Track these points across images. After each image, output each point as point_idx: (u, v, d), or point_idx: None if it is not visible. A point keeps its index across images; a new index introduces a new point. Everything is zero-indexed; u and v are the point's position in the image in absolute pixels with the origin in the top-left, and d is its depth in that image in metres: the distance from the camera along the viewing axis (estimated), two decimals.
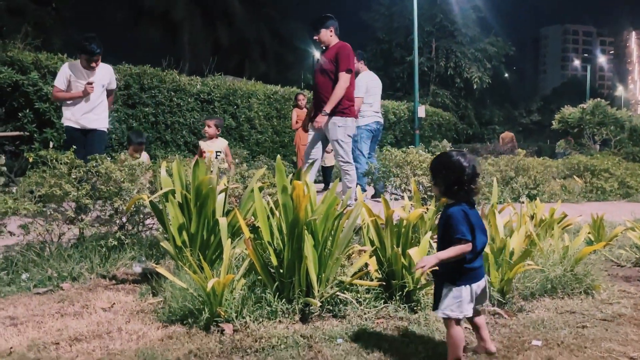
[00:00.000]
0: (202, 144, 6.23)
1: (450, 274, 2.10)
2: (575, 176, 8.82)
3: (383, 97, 9.27)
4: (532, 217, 3.99)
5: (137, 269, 3.57)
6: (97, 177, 3.61)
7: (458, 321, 2.09)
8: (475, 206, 2.20)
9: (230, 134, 11.08)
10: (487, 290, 2.20)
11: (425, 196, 4.41)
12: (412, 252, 2.80)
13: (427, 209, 3.77)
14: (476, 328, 2.24)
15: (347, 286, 2.78)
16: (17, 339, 2.40)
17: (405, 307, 2.79)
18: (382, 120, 7.47)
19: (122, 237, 3.67)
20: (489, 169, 5.02)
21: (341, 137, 5.30)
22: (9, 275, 3.28)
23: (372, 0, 28.22)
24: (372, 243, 3.03)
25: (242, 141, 11.29)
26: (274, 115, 12.21)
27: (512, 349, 2.29)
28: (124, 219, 3.80)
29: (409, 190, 4.38)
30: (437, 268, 2.11)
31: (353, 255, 3.09)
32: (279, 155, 2.93)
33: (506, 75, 38.73)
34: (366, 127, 7.08)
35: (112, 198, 3.62)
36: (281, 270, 2.72)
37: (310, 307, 2.69)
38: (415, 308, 2.80)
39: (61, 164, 3.55)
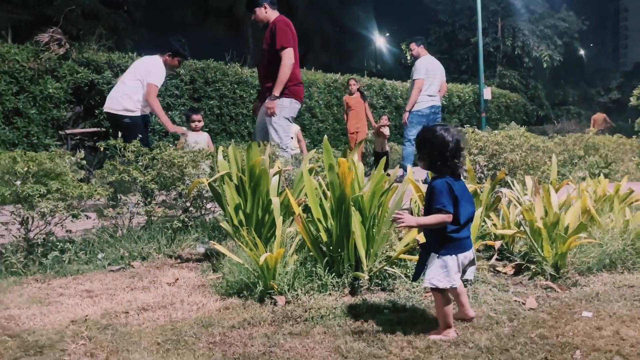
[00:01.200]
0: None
1: (436, 244, 2.15)
2: None
3: (448, 81, 9.05)
4: (593, 193, 3.86)
5: (200, 249, 3.79)
6: (162, 163, 3.85)
7: (444, 290, 2.12)
8: (463, 178, 2.23)
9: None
10: (475, 260, 2.24)
11: (482, 175, 4.36)
12: None
13: (483, 186, 3.75)
14: (455, 294, 2.25)
15: (396, 261, 2.84)
16: (92, 309, 2.65)
17: None
18: (438, 104, 7.37)
19: (186, 219, 3.91)
20: (550, 147, 4.87)
21: (275, 118, 4.93)
22: (86, 255, 3.58)
23: None
24: None
25: (303, 130, 11.45)
26: (334, 103, 12.31)
27: (560, 319, 2.27)
28: (187, 203, 4.03)
29: (464, 170, 4.34)
30: (423, 240, 2.16)
31: (403, 231, 3.14)
32: (325, 136, 3.02)
33: (581, 52, 36.63)
34: (417, 112, 7.04)
35: (175, 183, 3.86)
36: (331, 246, 2.82)
37: (359, 281, 2.77)
38: (465, 282, 2.81)
39: (128, 152, 3.81)
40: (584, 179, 4.32)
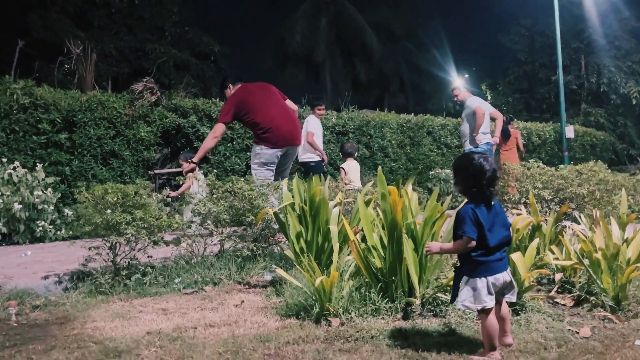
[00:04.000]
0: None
1: (465, 267, 2.25)
2: None
3: (528, 119, 9.68)
4: None
5: (268, 277, 4.02)
6: (234, 196, 4.17)
7: (488, 312, 2.17)
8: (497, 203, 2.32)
9: (365, 162, 11.51)
10: (513, 282, 2.28)
11: (548, 209, 4.32)
12: (514, 256, 2.86)
13: (546, 220, 3.74)
14: (500, 320, 2.27)
15: (447, 287, 2.91)
16: (166, 324, 2.93)
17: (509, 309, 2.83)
18: (491, 141, 7.77)
19: (255, 249, 4.17)
20: (620, 181, 4.71)
21: (252, 164, 5.56)
22: (165, 279, 3.92)
23: (511, 22, 27.35)
24: None
25: (375, 170, 11.64)
26: (407, 142, 12.42)
27: (610, 347, 2.25)
28: (256, 234, 4.31)
29: (527, 204, 4.32)
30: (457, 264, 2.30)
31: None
32: (380, 167, 3.19)
33: None
34: (476, 148, 7.47)
35: (245, 214, 4.15)
36: (384, 272, 2.95)
37: (412, 307, 2.87)
38: (519, 311, 2.82)
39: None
40: None
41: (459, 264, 2.33)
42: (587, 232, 3.67)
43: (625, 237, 3.19)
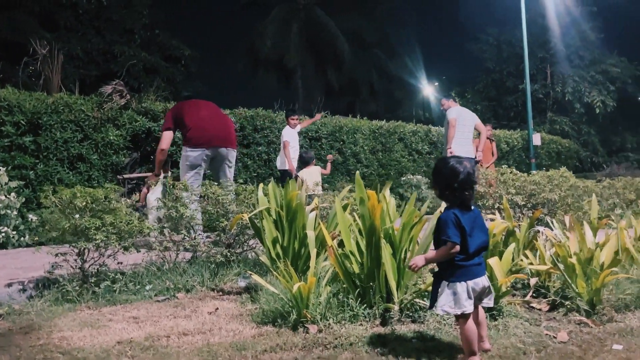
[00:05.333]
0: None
1: (445, 272, 2.23)
2: None
3: (496, 127, 9.82)
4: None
5: (242, 283, 3.94)
6: (207, 200, 4.09)
7: (467, 317, 2.16)
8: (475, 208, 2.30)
9: (337, 168, 11.50)
10: (490, 287, 2.27)
11: (521, 214, 4.37)
12: (491, 261, 2.86)
13: (519, 225, 3.77)
14: (477, 325, 2.27)
15: (425, 293, 2.89)
16: (137, 333, 2.83)
17: (486, 314, 2.83)
18: (472, 156, 7.78)
19: (229, 254, 4.09)
20: (590, 187, 4.83)
21: (180, 168, 5.77)
22: (135, 286, 3.80)
23: (479, 31, 27.93)
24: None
25: (348, 175, 11.65)
26: (379, 148, 12.48)
27: (588, 351, 2.27)
28: (230, 239, 4.23)
29: (501, 210, 4.36)
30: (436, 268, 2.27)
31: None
32: (357, 172, 3.17)
33: (639, 98, 35.55)
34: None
35: (219, 219, 4.07)
36: (362, 278, 2.92)
37: (390, 312, 2.84)
38: (496, 316, 2.83)
39: (177, 190, 4.08)
40: (622, 216, 4.25)
41: (437, 268, 2.31)
42: (559, 237, 3.72)
43: (596, 242, 3.24)
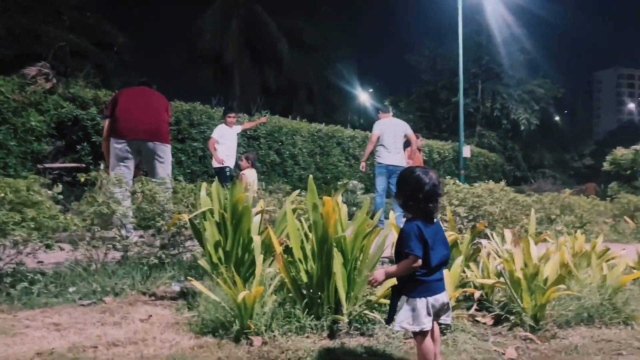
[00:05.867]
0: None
1: (405, 287, 2.12)
2: (625, 217, 8.50)
3: (428, 137, 10.10)
4: (571, 249, 3.91)
5: (176, 287, 3.70)
6: (143, 197, 3.81)
7: (425, 335, 2.08)
8: (437, 221, 2.21)
9: (275, 169, 11.34)
10: (449, 304, 2.18)
11: (462, 225, 4.39)
12: None
13: (463, 236, 3.78)
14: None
15: (376, 305, 2.80)
16: (59, 342, 2.54)
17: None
18: (395, 164, 7.90)
19: (163, 256, 3.83)
20: (528, 202, 4.97)
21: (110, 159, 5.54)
22: (57, 288, 3.46)
23: (417, 42, 28.72)
24: (393, 264, 3.05)
25: (285, 176, 11.52)
26: (317, 152, 12.45)
27: None
28: (166, 240, 3.96)
29: (445, 220, 4.38)
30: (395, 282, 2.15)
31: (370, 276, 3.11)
32: (310, 175, 3.04)
33: (557, 118, 37.91)
34: (379, 165, 7.81)
35: (155, 218, 3.80)
36: (310, 288, 2.78)
37: (339, 324, 2.72)
38: (444, 330, 2.78)
39: (110, 184, 3.77)
40: (561, 233, 4.39)
41: (396, 282, 2.21)
42: (500, 250, 3.76)
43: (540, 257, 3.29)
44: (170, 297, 3.54)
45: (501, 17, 24.66)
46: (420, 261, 2.07)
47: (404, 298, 2.12)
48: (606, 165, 15.53)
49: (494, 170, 20.39)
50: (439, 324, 2.25)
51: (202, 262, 3.34)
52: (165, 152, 5.58)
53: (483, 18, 24.70)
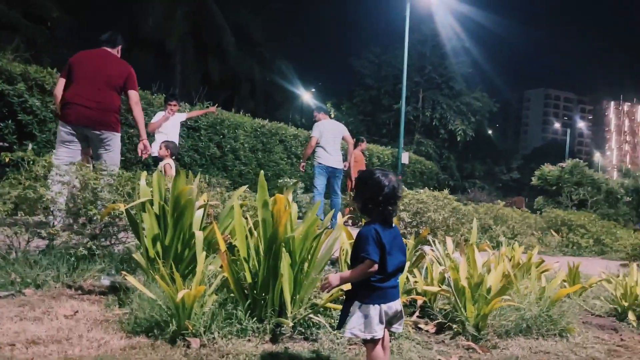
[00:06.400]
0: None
1: (359, 292, 2.05)
2: (552, 230, 8.91)
3: (370, 141, 10.34)
4: (510, 259, 3.99)
5: (105, 281, 3.45)
6: (75, 184, 3.53)
7: (376, 343, 2.02)
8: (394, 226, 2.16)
9: (214, 163, 11.04)
10: (402, 312, 2.13)
11: (405, 231, 4.39)
12: None
13: (407, 242, 3.76)
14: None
15: (321, 309, 2.71)
16: None
17: None
18: (335, 166, 7.93)
19: (93, 247, 3.56)
20: (470, 211, 5.07)
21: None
22: None
23: (363, 47, 29.08)
24: (349, 267, 2.97)
25: (225, 171, 11.24)
26: (259, 148, 12.25)
27: None
28: (97, 230, 3.69)
29: None
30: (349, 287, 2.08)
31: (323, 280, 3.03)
32: (262, 171, 2.90)
33: (489, 131, 39.58)
34: (319, 165, 7.77)
35: (87, 206, 3.53)
36: (255, 288, 2.65)
37: (282, 328, 2.61)
38: (390, 337, 2.73)
39: (38, 166, 3.46)
40: (501, 244, 4.48)
41: (350, 287, 2.12)
42: (441, 258, 3.77)
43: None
44: (99, 291, 3.30)
45: (445, 29, 25.46)
46: (376, 266, 2.00)
47: (356, 304, 2.04)
48: (534, 180, 16.32)
49: (430, 177, 20.92)
50: (390, 332, 2.18)
51: (137, 256, 3.13)
52: (112, 140, 5.08)
53: (428, 28, 25.33)
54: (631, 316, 3.65)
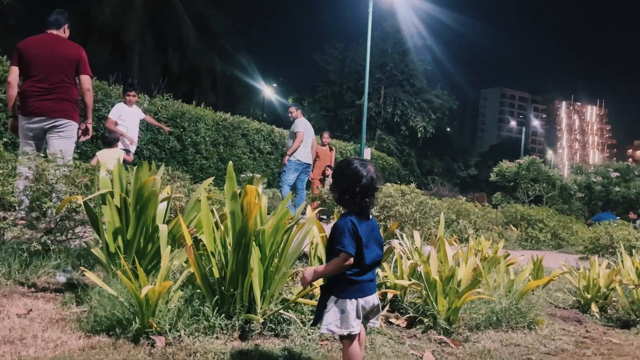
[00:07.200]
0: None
1: (335, 287, 1.98)
2: (511, 225, 9.09)
3: (333, 137, 10.58)
4: (476, 253, 4.01)
5: (61, 278, 3.26)
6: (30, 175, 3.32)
7: (352, 339, 1.96)
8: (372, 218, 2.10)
9: (174, 157, 10.77)
10: (379, 307, 2.07)
11: None
12: None
13: None
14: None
15: (292, 305, 2.63)
16: None
17: None
18: (309, 162, 8.32)
19: (48, 242, 3.36)
20: (438, 205, 5.08)
21: None
22: None
23: (326, 42, 29.05)
24: (320, 261, 2.91)
25: (185, 165, 10.98)
26: (221, 142, 12.02)
27: None
28: (52, 224, 3.49)
29: None
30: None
31: (299, 274, 2.95)
32: (230, 162, 2.79)
33: (448, 129, 40.27)
34: (297, 161, 7.98)
35: (41, 199, 3.33)
36: (223, 284, 2.54)
37: (251, 324, 2.52)
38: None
39: None
40: (471, 237, 4.50)
41: (325, 281, 2.05)
42: (410, 252, 3.76)
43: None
44: (54, 289, 3.11)
45: (408, 26, 25.70)
46: (352, 259, 1.92)
47: (332, 299, 1.97)
48: (493, 176, 16.66)
49: (391, 173, 21.10)
50: (365, 327, 2.12)
51: (97, 251, 2.97)
52: (66, 126, 4.83)
53: (390, 25, 25.48)
54: (594, 308, 3.72)
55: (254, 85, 33.99)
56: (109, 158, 6.69)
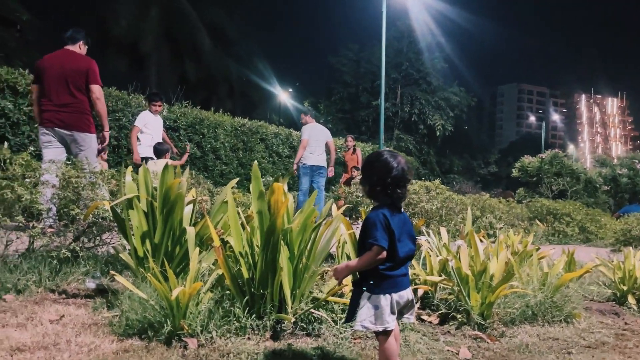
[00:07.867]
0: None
1: (368, 282, 1.93)
2: (537, 220, 8.94)
3: None
4: (507, 247, 3.93)
5: (91, 284, 3.28)
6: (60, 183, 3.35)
7: (388, 334, 1.92)
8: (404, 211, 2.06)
9: (195, 163, 10.83)
10: (414, 301, 2.02)
11: None
12: None
13: None
14: None
15: (322, 303, 2.60)
16: None
17: None
18: (321, 164, 8.31)
19: (77, 249, 3.38)
20: (464, 200, 5.01)
21: None
22: None
23: (340, 44, 29.05)
24: (348, 259, 2.87)
25: (206, 171, 11.04)
26: (240, 147, 12.06)
27: None
28: (80, 231, 3.52)
29: None
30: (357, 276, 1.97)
31: (327, 273, 2.92)
32: (255, 161, 2.77)
33: (466, 127, 39.90)
34: (304, 165, 8.11)
35: (68, 206, 3.35)
36: (252, 284, 2.52)
37: (283, 324, 2.49)
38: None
39: (16, 165, 3.27)
40: (501, 231, 4.42)
41: (358, 277, 2.01)
42: (439, 248, 3.69)
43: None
44: (84, 295, 3.13)
45: (421, 25, 25.58)
46: (385, 253, 1.88)
47: (366, 294, 1.92)
48: (515, 172, 16.44)
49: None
50: (400, 322, 2.07)
51: (125, 256, 2.97)
52: (84, 140, 5.03)
53: (404, 25, 25.36)
54: (631, 300, 3.62)
55: (270, 90, 34.13)
56: (159, 169, 6.79)
